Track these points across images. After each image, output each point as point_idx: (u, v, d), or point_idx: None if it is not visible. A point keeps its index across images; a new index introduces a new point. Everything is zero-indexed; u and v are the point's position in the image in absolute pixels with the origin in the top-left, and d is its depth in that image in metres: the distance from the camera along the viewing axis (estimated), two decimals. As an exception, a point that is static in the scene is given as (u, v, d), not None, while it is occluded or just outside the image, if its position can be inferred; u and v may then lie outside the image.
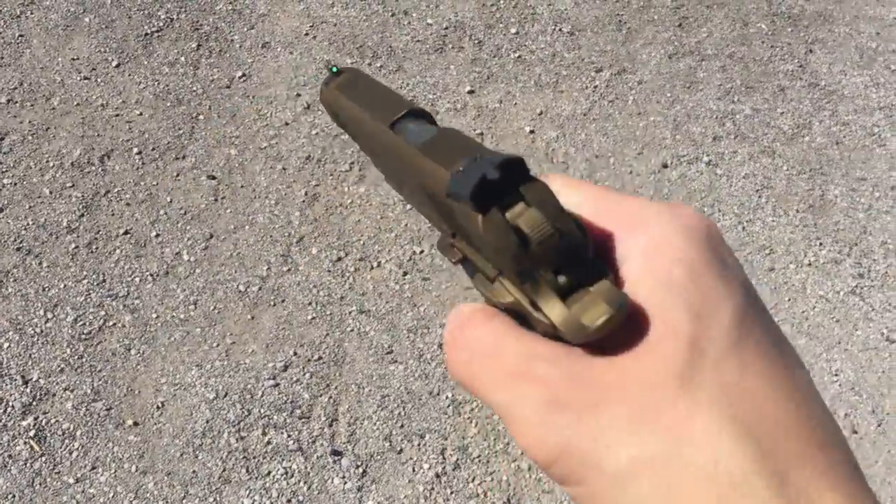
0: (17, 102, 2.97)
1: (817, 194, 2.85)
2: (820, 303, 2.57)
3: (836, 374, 2.41)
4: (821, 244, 2.71)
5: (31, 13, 3.25)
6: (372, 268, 2.59)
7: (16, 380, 2.26)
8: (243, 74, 3.14)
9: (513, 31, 3.40)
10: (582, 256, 0.35)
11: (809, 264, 2.66)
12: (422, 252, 2.62)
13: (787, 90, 3.19)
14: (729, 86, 3.20)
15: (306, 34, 3.29)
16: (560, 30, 3.41)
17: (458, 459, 2.20)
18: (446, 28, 3.37)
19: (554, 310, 0.34)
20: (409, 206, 2.71)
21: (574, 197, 0.38)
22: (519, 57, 3.30)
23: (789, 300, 2.57)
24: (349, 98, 0.49)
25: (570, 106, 3.12)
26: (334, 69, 0.54)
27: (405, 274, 2.58)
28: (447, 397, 2.32)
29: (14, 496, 2.07)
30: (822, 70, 3.27)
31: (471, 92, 3.15)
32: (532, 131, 3.02)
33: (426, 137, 0.41)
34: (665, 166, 2.92)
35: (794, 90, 3.20)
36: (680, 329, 0.31)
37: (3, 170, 2.75)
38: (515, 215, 0.34)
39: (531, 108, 3.11)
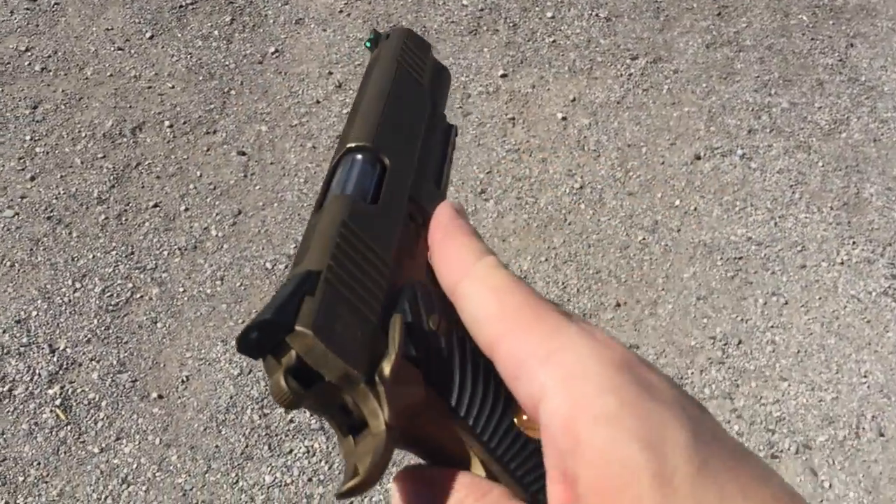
0: (51, 71, 2.97)
1: (852, 192, 2.81)
2: (851, 303, 2.53)
3: (866, 376, 2.37)
4: (854, 243, 2.67)
5: (67, -18, 3.25)
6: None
7: (43, 348, 2.29)
8: (276, 50, 3.13)
9: (549, 14, 3.36)
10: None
11: (842, 263, 2.63)
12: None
13: (826, 84, 3.14)
14: (766, 78, 3.15)
15: (340, 11, 3.27)
16: (597, 15, 3.37)
17: (478, 446, 2.20)
18: (482, 10, 3.34)
19: (345, 447, 0.39)
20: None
21: (488, 308, 0.37)
22: (554, 42, 3.27)
23: (820, 299, 2.54)
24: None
25: (603, 93, 3.08)
26: (373, 37, 0.58)
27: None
28: (470, 383, 2.32)
29: (39, 463, 2.09)
30: (863, 65, 3.21)
31: (504, 76, 3.12)
32: (564, 118, 2.99)
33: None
34: (698, 158, 2.88)
35: (833, 85, 3.14)
36: (638, 466, 0.29)
37: (36, 138, 2.76)
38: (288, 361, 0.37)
39: (564, 94, 3.07)
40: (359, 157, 0.49)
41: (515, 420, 0.40)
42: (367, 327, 0.40)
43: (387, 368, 0.38)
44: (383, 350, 0.39)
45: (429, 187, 0.51)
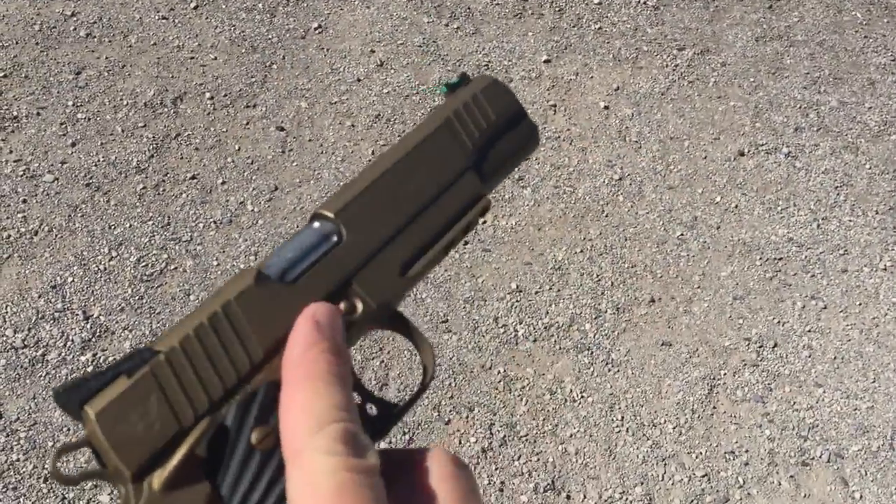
0: (95, 37, 2.98)
1: (900, 197, 2.74)
2: (892, 310, 2.48)
3: (902, 387, 2.33)
4: (898, 249, 2.61)
5: (115, -52, 3.25)
6: (433, 234, 2.56)
7: (77, 315, 2.30)
8: (319, 26, 3.11)
9: (595, 0, 3.30)
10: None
11: (885, 269, 2.57)
12: (485, 223, 2.59)
13: (878, 84, 3.06)
14: (816, 75, 3.07)
15: (385, -11, 3.24)
16: (644, 3, 3.31)
17: (505, 436, 2.19)
18: (527, -7, 3.29)
19: None
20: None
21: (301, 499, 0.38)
22: (599, 28, 3.21)
23: (860, 305, 2.49)
24: None
25: (647, 84, 3.03)
26: (455, 81, 0.60)
27: (466, 244, 2.55)
28: (499, 372, 2.30)
29: (69, 429, 2.12)
30: (918, 66, 3.13)
31: (547, 61, 3.08)
32: (606, 107, 2.94)
33: None
34: (742, 154, 2.83)
35: (884, 85, 3.06)
36: None
37: (79, 104, 2.77)
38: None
39: (607, 83, 3.03)
40: (315, 225, 0.51)
41: None
42: (167, 426, 0.40)
43: (157, 479, 0.40)
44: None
45: (384, 274, 0.51)
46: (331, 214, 0.49)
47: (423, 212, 0.53)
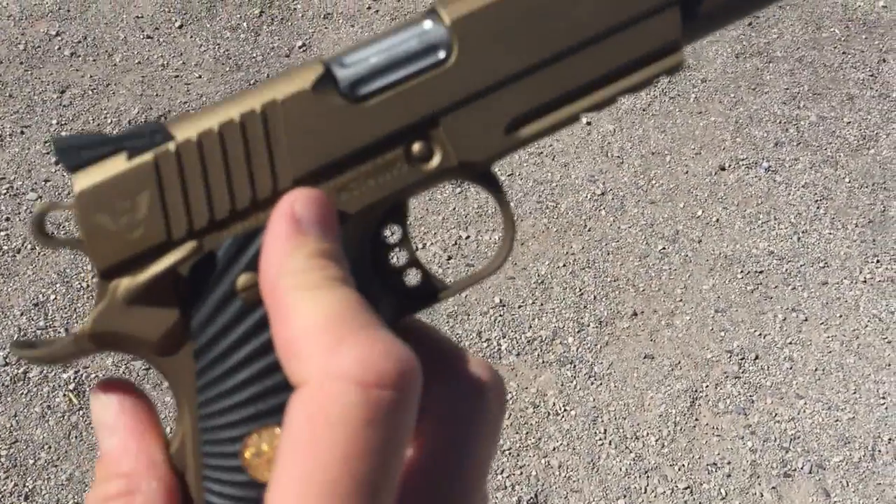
0: (80, 56, 3.00)
1: (878, 209, 2.77)
2: (872, 322, 2.50)
3: (884, 397, 2.34)
4: (878, 261, 2.64)
5: (100, -32, 3.27)
6: (416, 249, 2.58)
7: (59, 332, 2.30)
8: (303, 44, 3.13)
9: (577, 18, 3.34)
10: None
11: (864, 281, 2.59)
12: (468, 237, 2.61)
13: (857, 99, 3.10)
14: (796, 90, 3.11)
15: (369, 8, 3.27)
16: (626, 20, 3.35)
17: (488, 449, 2.19)
18: (510, 11, 3.33)
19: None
20: (458, 190, 2.69)
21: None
22: (582, 45, 3.25)
23: (840, 317, 2.51)
24: None
25: (629, 99, 3.06)
26: None
27: (449, 258, 2.56)
28: (482, 386, 2.31)
29: (50, 447, 2.11)
30: (895, 81, 3.17)
31: (530, 78, 3.11)
32: (588, 123, 2.97)
33: None
34: (723, 168, 2.86)
35: (863, 100, 3.10)
36: None
37: (63, 122, 2.78)
38: None
39: (590, 99, 3.06)
40: (426, 25, 0.37)
41: (242, 448, 0.34)
42: (152, 234, 0.34)
43: (124, 286, 0.34)
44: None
45: (485, 123, 0.37)
46: (448, 20, 0.36)
47: (580, 50, 0.37)
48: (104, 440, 0.36)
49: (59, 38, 3.04)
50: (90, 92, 2.89)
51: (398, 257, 0.41)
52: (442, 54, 0.36)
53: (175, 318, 0.35)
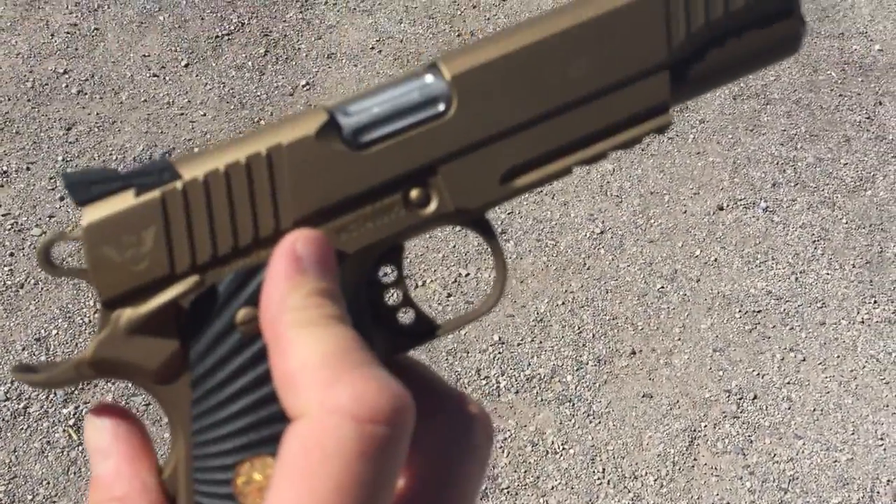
0: (86, 94, 3.04)
1: (875, 251, 2.79)
2: (870, 363, 2.51)
3: (882, 438, 2.34)
4: (875, 302, 2.65)
5: (109, 7, 3.33)
6: (416, 286, 2.60)
7: (61, 367, 2.31)
8: (307, 83, 3.18)
9: (577, 59, 3.39)
10: None
11: (862, 322, 2.60)
12: (468, 275, 2.62)
13: (853, 141, 3.13)
14: (793, 132, 3.15)
15: (372, 48, 3.32)
16: (625, 62, 3.40)
17: (486, 488, 2.19)
18: (511, 52, 3.38)
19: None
20: (458, 228, 2.71)
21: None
22: (581, 86, 3.29)
23: (838, 357, 2.51)
24: None
25: (628, 140, 3.10)
26: None
27: (449, 296, 2.58)
28: (481, 424, 2.31)
29: (48, 482, 2.11)
30: (891, 123, 3.20)
31: (530, 118, 3.15)
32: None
33: None
34: (721, 209, 2.88)
35: (859, 142, 3.13)
36: None
37: (68, 159, 2.82)
38: None
39: (589, 139, 3.09)
40: (427, 79, 0.39)
41: (234, 476, 0.35)
42: (156, 267, 0.35)
43: (126, 316, 0.36)
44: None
45: (481, 173, 0.39)
46: (448, 75, 0.38)
47: (573, 108, 0.39)
48: (98, 464, 0.37)
49: (67, 76, 3.08)
50: (96, 129, 2.93)
51: (394, 296, 0.43)
52: (442, 107, 0.38)
53: (174, 348, 0.36)
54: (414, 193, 0.39)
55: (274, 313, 0.33)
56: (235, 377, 0.36)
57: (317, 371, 0.31)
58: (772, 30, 0.40)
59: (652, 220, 2.84)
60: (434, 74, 0.39)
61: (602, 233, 2.79)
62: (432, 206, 0.39)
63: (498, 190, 0.39)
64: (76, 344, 2.36)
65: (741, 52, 0.41)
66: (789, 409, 2.40)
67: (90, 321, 2.42)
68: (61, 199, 2.70)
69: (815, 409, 2.40)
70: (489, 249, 0.42)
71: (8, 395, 2.24)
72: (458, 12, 3.46)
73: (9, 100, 2.97)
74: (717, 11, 0.39)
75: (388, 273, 0.43)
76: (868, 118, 3.22)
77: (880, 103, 3.27)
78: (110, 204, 0.36)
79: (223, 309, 0.36)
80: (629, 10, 0.39)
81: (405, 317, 0.43)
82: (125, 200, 0.36)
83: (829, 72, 3.38)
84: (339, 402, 0.30)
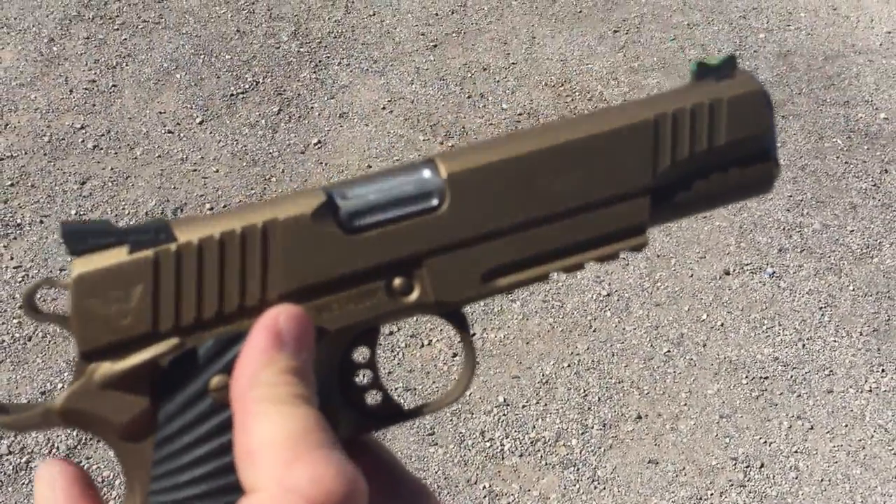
0: (102, 149, 3.09)
1: (883, 318, 2.78)
2: (878, 432, 2.48)
3: (890, 511, 2.31)
4: (883, 371, 2.63)
5: (127, 65, 3.40)
6: (422, 345, 2.60)
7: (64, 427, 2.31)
8: (319, 142, 3.22)
9: (586, 123, 3.43)
10: None
11: (870, 391, 2.59)
12: (473, 335, 2.62)
13: (859, 208, 3.15)
14: (799, 198, 3.17)
15: (383, 108, 3.38)
16: (633, 126, 3.44)
17: (488, 554, 2.16)
18: (520, 114, 3.43)
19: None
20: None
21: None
22: (589, 149, 3.33)
23: (846, 426, 2.49)
24: None
25: (636, 203, 3.12)
26: (715, 64, 0.44)
27: (454, 355, 2.58)
28: (484, 487, 2.29)
29: (48, 538, 2.10)
30: (897, 191, 3.23)
31: (538, 179, 3.18)
32: (596, 225, 3.02)
33: None
34: (727, 273, 2.89)
35: (866, 209, 3.15)
36: None
37: (82, 213, 2.85)
38: None
39: (597, 202, 3.12)
40: (424, 174, 0.41)
41: None
42: (139, 325, 0.36)
43: (102, 370, 0.36)
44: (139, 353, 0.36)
45: (465, 270, 0.41)
46: (445, 173, 0.40)
47: (556, 221, 0.42)
48: None
49: (84, 131, 3.14)
50: (110, 183, 2.97)
51: (365, 377, 0.44)
52: (435, 202, 0.40)
53: (145, 406, 0.37)
54: (397, 282, 0.40)
55: (244, 385, 0.34)
56: (200, 443, 0.36)
57: (278, 450, 0.32)
58: (747, 168, 0.43)
59: (658, 284, 2.84)
60: (431, 170, 0.41)
61: (608, 295, 2.79)
62: (413, 296, 0.40)
63: (479, 287, 0.41)
64: (81, 398, 2.36)
65: (715, 185, 0.44)
66: (797, 478, 2.37)
67: (96, 375, 2.42)
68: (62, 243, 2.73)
69: (822, 479, 2.37)
70: (461, 343, 0.44)
71: (11, 450, 2.23)
72: (469, 74, 3.53)
73: (25, 153, 3.02)
74: (702, 146, 0.42)
75: (361, 355, 0.44)
76: (874, 186, 3.24)
77: (886, 171, 3.30)
78: (103, 257, 0.36)
79: (199, 373, 0.37)
80: (620, 134, 0.41)
81: (374, 398, 0.44)
82: (118, 255, 0.36)
83: (834, 139, 3.41)
84: (296, 482, 0.31)
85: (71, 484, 0.37)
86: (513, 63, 3.60)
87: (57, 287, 0.37)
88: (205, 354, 0.37)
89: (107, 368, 0.36)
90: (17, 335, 2.48)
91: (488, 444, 2.38)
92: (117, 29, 3.52)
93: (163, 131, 3.20)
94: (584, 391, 2.53)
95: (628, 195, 0.42)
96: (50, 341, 2.48)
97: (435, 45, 3.62)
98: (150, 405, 0.37)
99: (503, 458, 2.36)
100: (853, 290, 2.87)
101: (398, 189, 0.40)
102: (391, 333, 2.61)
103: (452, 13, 3.78)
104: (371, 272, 0.39)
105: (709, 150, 0.43)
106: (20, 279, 2.62)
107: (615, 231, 0.42)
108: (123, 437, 0.37)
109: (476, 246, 0.41)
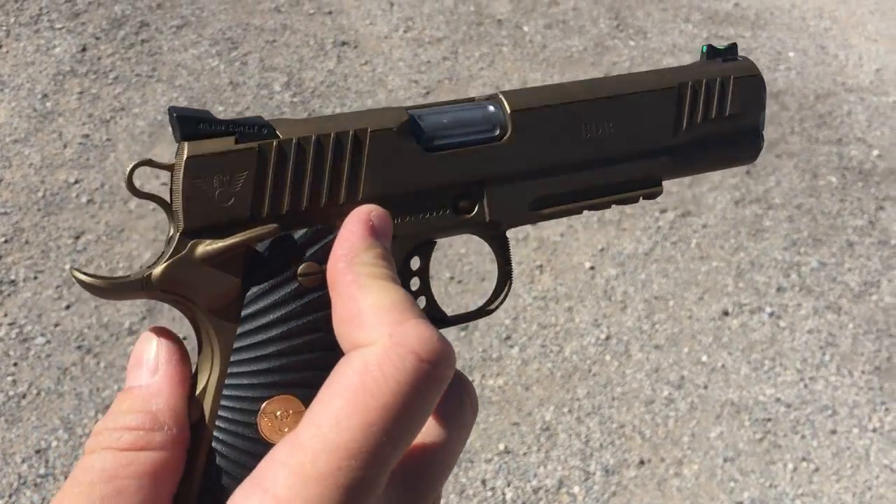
0: (96, 203, 3.09)
1: (884, 356, 2.76)
2: (884, 472, 2.45)
3: (901, 554, 2.27)
4: (886, 409, 2.61)
5: (120, 119, 3.42)
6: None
7: (59, 480, 2.27)
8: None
9: (579, 166, 3.44)
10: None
11: (874, 430, 2.55)
12: (472, 381, 2.59)
13: (856, 246, 3.15)
14: (796, 237, 3.17)
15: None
16: (627, 168, 3.45)
17: None
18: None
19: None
20: (462, 334, 2.71)
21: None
22: (584, 192, 3.33)
23: (851, 467, 2.46)
24: None
25: (632, 244, 3.12)
26: (722, 48, 0.54)
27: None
28: (486, 539, 2.25)
29: None
30: (893, 228, 3.22)
31: (534, 224, 3.18)
32: (592, 267, 3.01)
33: None
34: (726, 314, 2.87)
35: (863, 246, 3.15)
36: None
37: (76, 267, 2.84)
38: None
39: (592, 244, 3.11)
40: (489, 108, 0.46)
41: (261, 414, 0.40)
42: (241, 209, 0.40)
43: (202, 246, 0.40)
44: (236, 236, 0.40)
45: (518, 197, 0.47)
46: (509, 108, 0.46)
47: (596, 163, 0.49)
48: (140, 376, 0.41)
49: (78, 186, 3.14)
50: (104, 237, 2.96)
51: (415, 283, 0.49)
52: (497, 132, 0.45)
53: (235, 283, 0.40)
54: (463, 201, 0.45)
55: (348, 263, 0.40)
56: (282, 322, 0.40)
57: (387, 312, 0.37)
58: (743, 139, 0.52)
59: (657, 326, 2.82)
60: (495, 105, 0.47)
61: (607, 338, 2.77)
62: (472, 214, 0.46)
63: (527, 214, 0.48)
64: (76, 456, 2.33)
65: (719, 150, 0.52)
66: (804, 522, 2.33)
67: (91, 432, 2.39)
68: (67, 307, 2.71)
69: (830, 523, 2.33)
70: (497, 259, 0.49)
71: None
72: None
73: (19, 209, 3.02)
74: (712, 114, 0.51)
75: (415, 262, 0.49)
76: (870, 223, 3.24)
77: (882, 208, 3.30)
78: (211, 144, 0.40)
79: (291, 258, 0.40)
80: (652, 96, 0.50)
81: (419, 302, 0.47)
82: (226, 144, 0.40)
83: (829, 177, 3.42)
84: (406, 338, 0.36)
85: (177, 362, 0.41)
86: (505, 108, 3.62)
87: (155, 167, 0.42)
88: (299, 241, 0.41)
89: (207, 244, 0.40)
90: (12, 393, 2.45)
91: (490, 493, 2.35)
92: (111, 83, 3.54)
93: (157, 184, 3.20)
94: (586, 437, 2.50)
95: (654, 153, 0.50)
96: (44, 398, 2.45)
97: (427, 92, 3.64)
98: (240, 285, 0.40)
99: (505, 509, 2.32)
100: (853, 328, 2.85)
101: (466, 116, 0.45)
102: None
103: (444, 59, 3.81)
104: (444, 188, 0.44)
105: (717, 118, 0.51)
106: (14, 336, 2.60)
107: (639, 179, 0.50)
108: (211, 310, 0.40)
109: (530, 175, 0.47)
